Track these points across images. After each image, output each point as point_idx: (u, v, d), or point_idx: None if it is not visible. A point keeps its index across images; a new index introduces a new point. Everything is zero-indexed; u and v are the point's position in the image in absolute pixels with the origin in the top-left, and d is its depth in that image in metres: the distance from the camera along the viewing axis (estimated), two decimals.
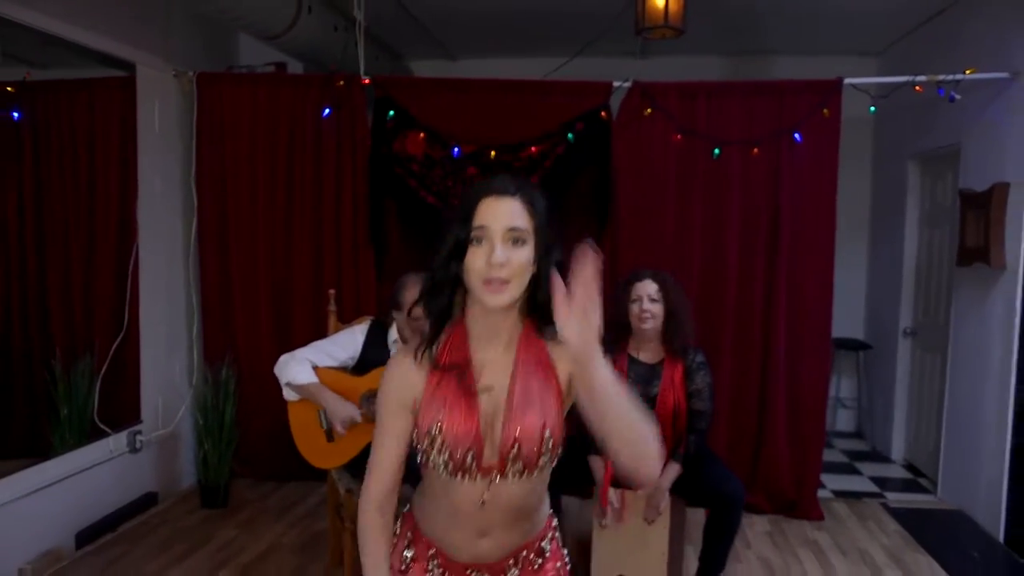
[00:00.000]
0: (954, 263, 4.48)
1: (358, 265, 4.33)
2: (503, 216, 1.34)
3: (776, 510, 4.22)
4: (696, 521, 3.28)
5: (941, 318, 4.85)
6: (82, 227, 4.13)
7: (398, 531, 1.57)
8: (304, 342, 3.21)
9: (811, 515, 4.16)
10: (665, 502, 3.03)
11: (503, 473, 1.41)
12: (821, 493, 4.43)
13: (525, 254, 1.35)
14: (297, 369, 2.96)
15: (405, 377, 1.44)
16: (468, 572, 1.52)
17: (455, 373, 1.41)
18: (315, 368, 3.00)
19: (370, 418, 2.97)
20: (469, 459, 1.40)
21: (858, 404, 6.08)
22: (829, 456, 5.37)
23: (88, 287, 4.17)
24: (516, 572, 1.53)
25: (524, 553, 1.53)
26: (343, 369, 3.08)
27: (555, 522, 1.61)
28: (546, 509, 1.58)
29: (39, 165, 3.93)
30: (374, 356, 3.04)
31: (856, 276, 6.02)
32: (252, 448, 4.41)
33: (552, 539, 1.59)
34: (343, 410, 2.91)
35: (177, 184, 4.38)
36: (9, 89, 3.83)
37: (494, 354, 1.42)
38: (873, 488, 4.85)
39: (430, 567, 1.53)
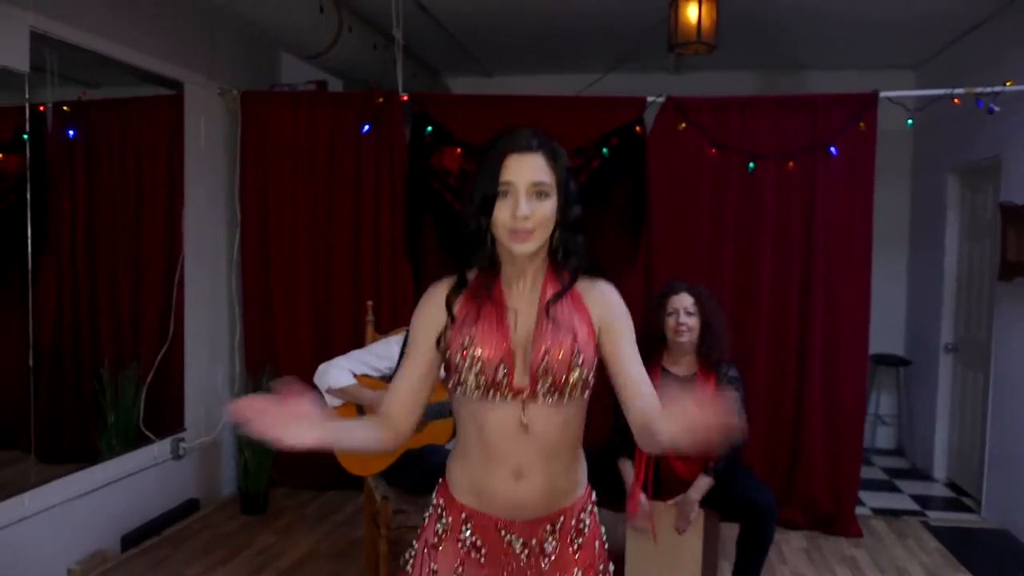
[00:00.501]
0: (995, 277, 4.42)
1: (395, 277, 4.41)
2: (527, 172, 1.45)
3: (812, 526, 4.17)
4: (731, 537, 3.27)
5: (983, 334, 4.77)
6: (131, 240, 4.25)
7: (432, 504, 1.61)
8: (343, 352, 3.28)
9: (849, 531, 4.11)
10: (696, 513, 3.03)
11: (534, 393, 1.46)
12: (859, 510, 4.37)
13: (548, 206, 1.46)
14: (336, 374, 3.04)
15: (434, 312, 1.53)
16: (503, 535, 1.53)
17: (485, 295, 1.50)
18: (354, 376, 3.07)
19: None
20: (501, 373, 1.46)
21: (898, 421, 5.98)
22: (868, 473, 5.29)
23: (136, 297, 4.30)
24: (554, 543, 1.54)
25: (562, 520, 1.54)
26: (382, 379, 3.15)
27: (594, 496, 1.63)
28: (583, 471, 1.59)
29: (91, 180, 4.06)
30: None
31: (896, 291, 5.94)
32: (291, 457, 4.48)
33: (592, 512, 1.61)
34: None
35: (222, 198, 4.51)
36: (65, 109, 3.99)
37: (520, 290, 1.53)
38: (914, 506, 4.77)
39: (463, 535, 1.54)
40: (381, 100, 4.35)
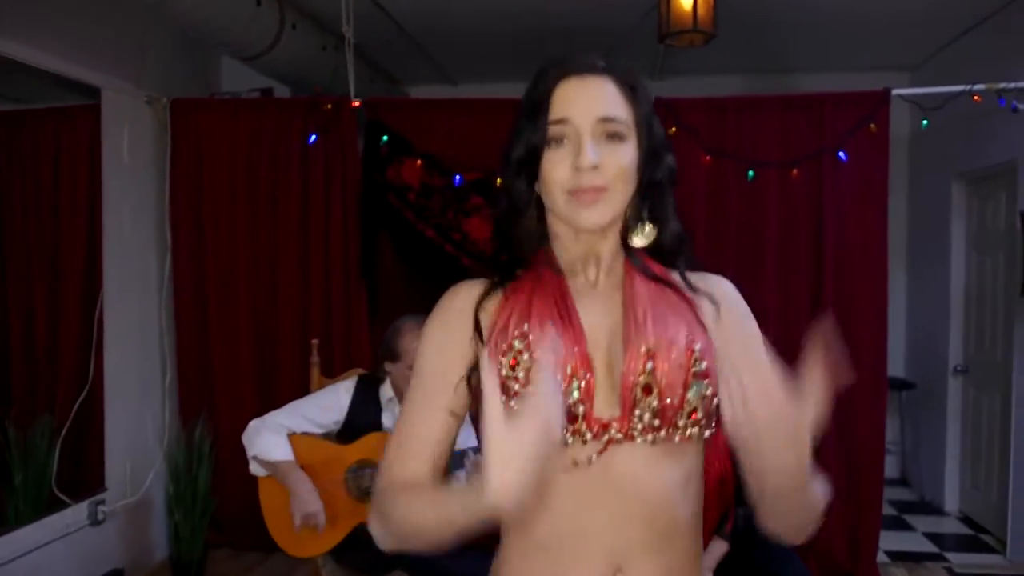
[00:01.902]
0: (1014, 293, 4.03)
1: (350, 307, 3.88)
2: (592, 103, 0.99)
3: None
4: None
5: (999, 354, 4.38)
6: (44, 269, 3.73)
7: None
8: (291, 395, 2.80)
9: None
10: None
11: (627, 428, 0.95)
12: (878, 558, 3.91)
13: (625, 154, 0.99)
14: (269, 440, 2.49)
15: (456, 333, 1.05)
16: None
17: (538, 289, 1.02)
18: (292, 435, 2.53)
19: (359, 496, 2.50)
20: (575, 396, 0.95)
21: (901, 448, 5.58)
22: None
23: (50, 336, 3.76)
24: None
25: None
26: (327, 436, 2.60)
27: None
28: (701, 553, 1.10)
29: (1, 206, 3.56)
30: (364, 419, 2.56)
31: (894, 308, 5.50)
32: (231, 515, 3.92)
33: None
34: (309, 504, 2.42)
35: (150, 221, 3.96)
36: None
37: (588, 284, 1.05)
38: (930, 547, 4.35)
39: None
40: (330, 107, 3.83)
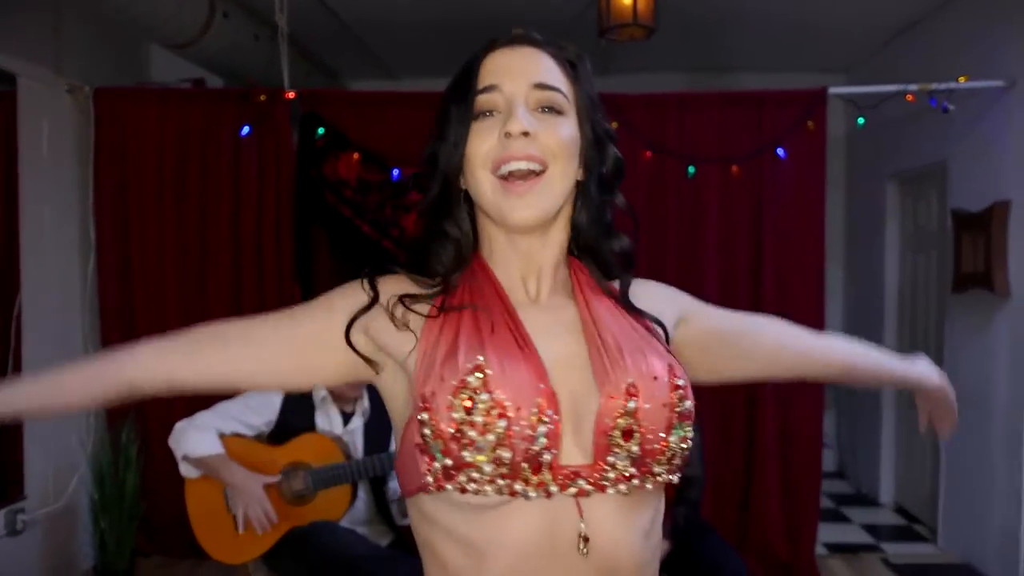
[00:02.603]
0: (945, 290, 4.12)
1: (283, 303, 3.74)
2: (526, 69, 0.87)
3: (769, 574, 3.73)
4: None
5: (931, 349, 4.48)
6: None
7: None
8: (223, 395, 2.64)
9: None
10: None
11: (598, 481, 0.82)
12: (817, 552, 3.96)
13: (567, 128, 0.87)
14: (197, 437, 2.38)
15: (362, 297, 0.91)
16: None
17: (476, 305, 0.88)
18: (222, 436, 2.42)
19: (292, 499, 2.41)
20: (541, 441, 0.80)
21: (837, 442, 5.69)
22: None
23: None
24: None
25: None
26: (258, 438, 2.51)
27: None
28: None
29: None
30: (296, 420, 2.47)
31: (832, 306, 5.64)
32: (161, 521, 3.77)
33: None
34: (252, 490, 2.32)
35: (72, 216, 3.77)
36: None
37: (531, 298, 0.92)
38: (867, 538, 4.43)
39: None
40: (264, 98, 3.71)
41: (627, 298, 0.93)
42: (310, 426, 2.46)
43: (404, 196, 3.69)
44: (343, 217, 3.71)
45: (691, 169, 3.65)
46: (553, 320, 0.89)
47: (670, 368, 0.87)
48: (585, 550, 0.82)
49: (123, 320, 3.82)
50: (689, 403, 0.88)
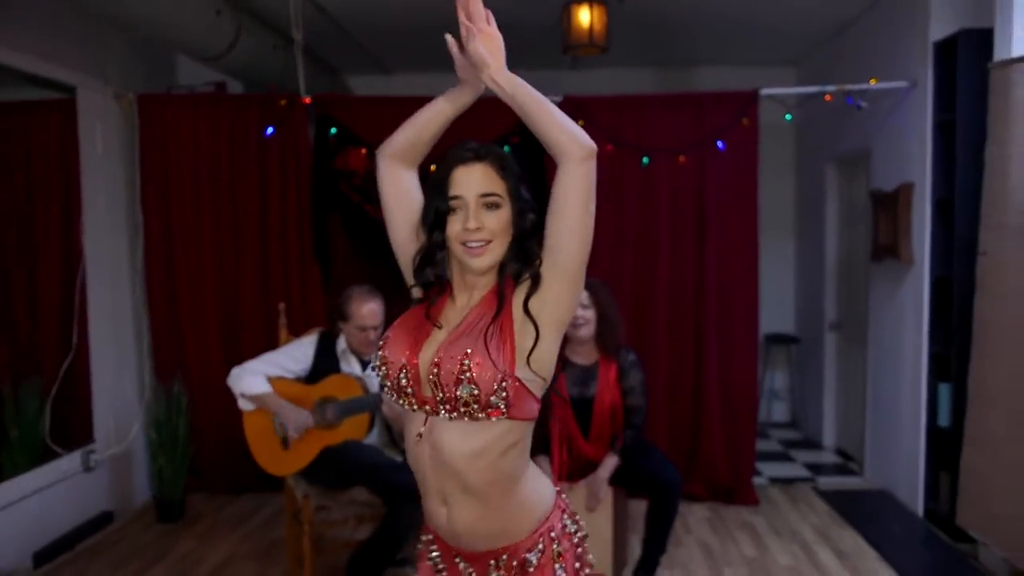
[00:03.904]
0: (869, 259, 4.79)
1: (305, 278, 4.44)
2: (475, 183, 1.44)
3: (714, 498, 4.46)
4: (640, 513, 3.48)
5: (861, 311, 5.16)
6: (25, 249, 4.16)
7: None
8: (253, 355, 3.30)
9: (747, 501, 4.41)
10: (605, 492, 3.23)
11: (435, 407, 1.43)
12: (757, 480, 4.69)
13: (501, 216, 1.45)
14: (250, 380, 3.08)
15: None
16: (457, 561, 1.54)
17: (422, 307, 1.50)
18: (268, 379, 3.12)
19: (324, 425, 3.11)
20: (403, 380, 1.44)
21: (791, 396, 6.40)
22: (765, 446, 5.65)
23: (33, 311, 4.20)
24: None
25: (505, 558, 1.50)
26: (296, 380, 3.20)
27: (558, 544, 1.52)
28: (528, 514, 1.51)
29: None
30: (324, 365, 3.18)
31: (785, 274, 6.35)
32: (206, 461, 4.48)
33: (543, 552, 1.51)
34: (297, 416, 3.04)
35: (122, 204, 4.42)
36: None
37: (461, 305, 1.50)
38: (806, 473, 5.11)
39: (431, 555, 1.57)
40: (284, 102, 4.36)
41: (501, 300, 1.46)
42: (336, 370, 3.16)
43: None
44: (353, 203, 4.38)
45: (645, 159, 4.32)
46: (457, 318, 1.47)
47: (467, 352, 1.39)
48: (426, 446, 1.45)
49: (168, 289, 4.47)
50: (472, 373, 1.38)
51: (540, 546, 1.50)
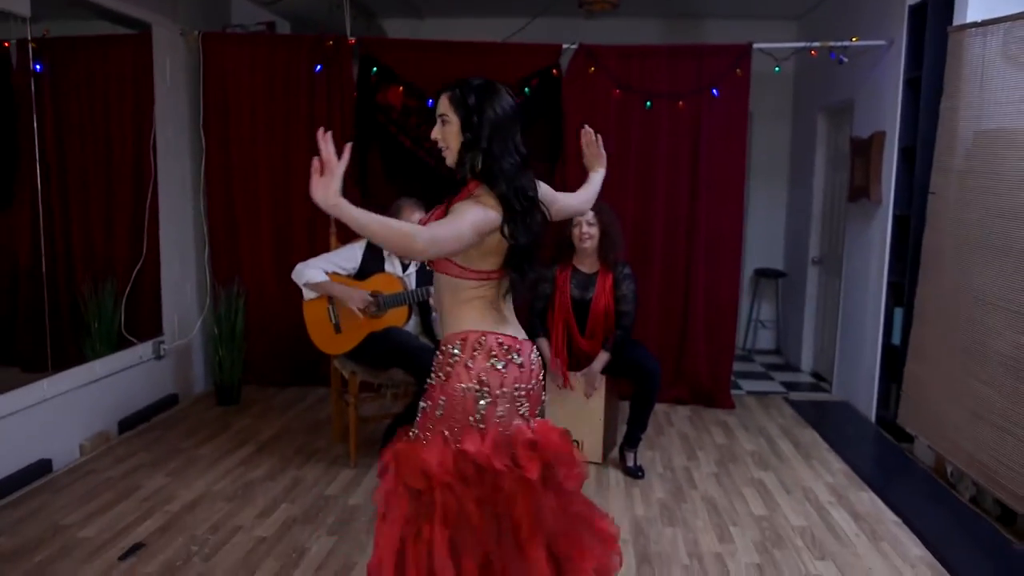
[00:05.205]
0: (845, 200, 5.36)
1: (348, 197, 5.02)
2: (438, 106, 1.98)
3: (696, 401, 5.13)
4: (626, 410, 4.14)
5: (840, 247, 5.75)
6: (102, 168, 4.72)
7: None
8: (301, 261, 3.92)
9: (724, 405, 5.08)
10: (600, 381, 3.89)
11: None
12: (736, 393, 5.35)
13: (449, 131, 1.95)
14: (312, 272, 3.74)
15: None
16: None
17: None
18: (326, 273, 3.77)
19: (371, 316, 3.77)
20: None
21: (776, 325, 7.03)
22: (749, 367, 6.33)
23: (109, 221, 4.80)
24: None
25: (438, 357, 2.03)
26: (348, 276, 3.85)
27: (460, 384, 1.92)
28: (453, 331, 1.98)
29: (60, 115, 4.43)
30: (372, 267, 3.83)
31: (777, 215, 6.92)
32: (256, 357, 5.17)
33: (437, 375, 1.98)
34: (356, 294, 3.70)
35: (187, 129, 5.03)
36: (32, 45, 4.40)
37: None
38: (781, 390, 5.77)
39: None
40: (331, 43, 4.92)
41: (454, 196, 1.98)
42: (381, 270, 3.81)
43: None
44: (390, 133, 4.96)
45: (648, 104, 4.88)
46: None
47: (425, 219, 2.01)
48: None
49: (225, 203, 5.10)
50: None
51: (443, 369, 1.96)
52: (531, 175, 1.99)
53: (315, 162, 1.67)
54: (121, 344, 4.60)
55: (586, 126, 2.39)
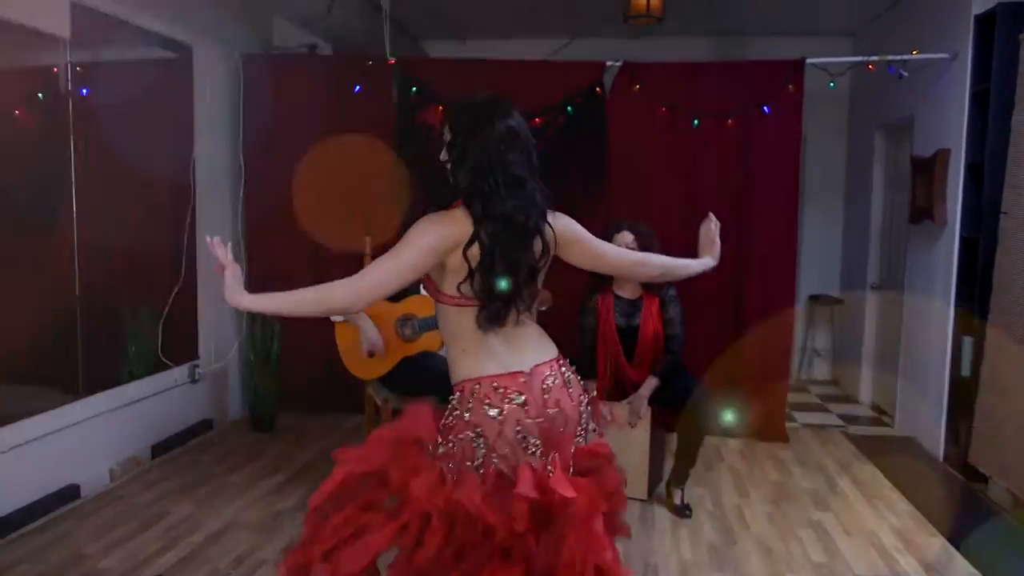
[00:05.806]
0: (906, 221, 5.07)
1: (386, 216, 4.89)
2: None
3: (747, 434, 4.85)
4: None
5: (900, 272, 5.44)
6: (140, 191, 4.62)
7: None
8: None
9: (778, 438, 4.80)
10: (645, 409, 3.68)
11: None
12: (790, 424, 5.06)
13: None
14: None
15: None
16: None
17: None
18: None
19: (405, 340, 3.62)
20: None
21: (832, 355, 6.71)
22: (804, 399, 6.02)
23: (148, 244, 4.76)
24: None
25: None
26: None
27: (458, 436, 1.83)
28: (453, 369, 1.95)
29: (100, 136, 4.40)
30: (407, 287, 3.67)
31: (832, 237, 6.63)
32: (292, 383, 5.06)
33: (446, 419, 1.89)
34: (374, 336, 3.55)
35: (227, 150, 5.00)
36: (79, 70, 4.42)
37: None
38: (839, 423, 5.45)
39: None
40: (371, 63, 4.86)
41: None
42: (416, 290, 3.67)
43: None
44: (429, 154, 4.85)
45: (695, 122, 4.69)
46: None
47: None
48: None
49: (264, 225, 5.04)
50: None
51: (445, 420, 1.90)
52: (527, 198, 1.84)
53: (215, 269, 1.86)
54: (158, 367, 4.54)
55: (711, 214, 2.26)
